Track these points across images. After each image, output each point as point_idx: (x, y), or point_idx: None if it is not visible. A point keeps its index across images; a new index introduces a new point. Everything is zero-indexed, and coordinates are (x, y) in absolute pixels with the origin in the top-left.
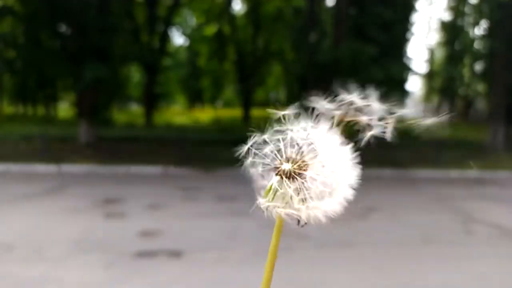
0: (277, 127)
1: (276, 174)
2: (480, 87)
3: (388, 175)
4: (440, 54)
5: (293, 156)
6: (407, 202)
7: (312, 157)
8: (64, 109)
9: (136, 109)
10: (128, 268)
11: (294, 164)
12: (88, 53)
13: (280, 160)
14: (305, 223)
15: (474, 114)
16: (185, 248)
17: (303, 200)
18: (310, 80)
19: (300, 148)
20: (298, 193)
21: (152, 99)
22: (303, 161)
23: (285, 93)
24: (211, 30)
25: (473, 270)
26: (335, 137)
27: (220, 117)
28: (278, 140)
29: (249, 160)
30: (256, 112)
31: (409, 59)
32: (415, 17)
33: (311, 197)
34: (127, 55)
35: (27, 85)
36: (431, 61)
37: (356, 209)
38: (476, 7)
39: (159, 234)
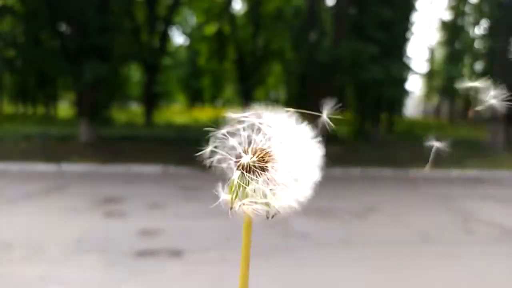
0: (237, 121)
1: (237, 169)
2: None
3: (388, 174)
4: (440, 54)
5: (253, 146)
6: (407, 202)
7: (273, 144)
8: (64, 108)
9: (136, 108)
10: (128, 268)
11: (255, 155)
12: (88, 52)
13: (239, 153)
14: (274, 215)
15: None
16: (185, 248)
17: (268, 192)
18: (310, 80)
19: (260, 137)
20: (261, 185)
21: (152, 99)
22: (264, 151)
23: (285, 92)
24: (211, 29)
25: (473, 269)
26: (293, 122)
27: (220, 117)
28: (238, 132)
29: (213, 157)
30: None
31: (409, 58)
32: (415, 17)
33: (275, 187)
34: (127, 54)
35: (27, 84)
36: (431, 60)
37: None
38: (477, 7)
39: (159, 233)
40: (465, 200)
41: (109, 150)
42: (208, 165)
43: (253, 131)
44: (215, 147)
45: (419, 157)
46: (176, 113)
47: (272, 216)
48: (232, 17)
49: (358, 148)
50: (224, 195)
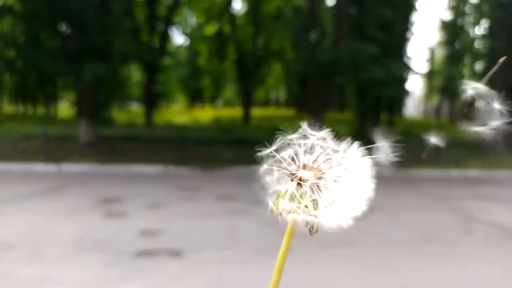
0: (297, 134)
1: (292, 180)
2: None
3: (388, 174)
4: (440, 54)
5: (310, 163)
6: (407, 202)
7: (330, 166)
8: (64, 108)
9: (136, 108)
10: (128, 268)
11: (311, 171)
12: (88, 52)
13: (297, 166)
14: (317, 230)
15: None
16: (185, 248)
17: (317, 207)
18: (310, 80)
19: (319, 156)
20: (313, 200)
21: (152, 99)
22: (320, 170)
23: (285, 92)
24: (211, 29)
25: (473, 269)
26: (354, 150)
27: (220, 117)
28: (298, 145)
29: (267, 164)
30: (256, 112)
31: (409, 58)
32: (415, 17)
33: (325, 205)
34: (127, 54)
35: (27, 84)
36: (431, 60)
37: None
38: (477, 7)
39: (159, 233)
40: (465, 200)
41: (109, 150)
42: (261, 169)
43: (310, 148)
44: (271, 155)
45: (419, 157)
46: (176, 113)
47: (314, 232)
48: (232, 17)
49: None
50: (275, 202)
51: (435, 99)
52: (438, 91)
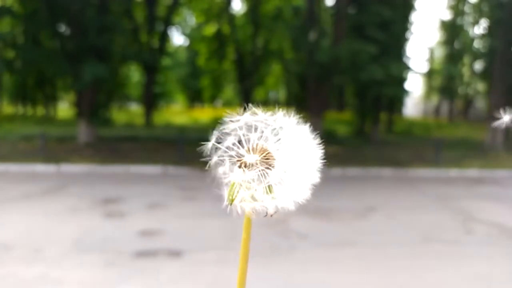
0: (239, 120)
1: (239, 167)
2: (480, 86)
3: (388, 174)
4: (439, 53)
5: (255, 145)
6: (406, 202)
7: (276, 144)
8: (64, 109)
9: (135, 108)
10: (128, 268)
11: (257, 154)
12: (88, 52)
13: (240, 153)
14: (275, 212)
15: (474, 113)
16: (185, 248)
17: (269, 191)
18: (309, 79)
19: (262, 136)
20: (263, 184)
21: (152, 99)
22: (266, 150)
23: (284, 92)
24: (210, 29)
25: (473, 269)
26: (294, 122)
27: (219, 117)
28: (235, 132)
29: (214, 157)
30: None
31: (409, 58)
32: (414, 16)
33: (276, 186)
34: (126, 54)
35: (26, 85)
36: (430, 60)
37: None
38: (476, 6)
39: (158, 233)
40: (464, 199)
41: (108, 151)
42: (208, 164)
43: (251, 130)
44: (216, 147)
45: (419, 156)
46: (176, 113)
47: (271, 215)
48: (231, 17)
49: (357, 148)
50: (225, 194)
51: (435, 99)
52: (437, 91)
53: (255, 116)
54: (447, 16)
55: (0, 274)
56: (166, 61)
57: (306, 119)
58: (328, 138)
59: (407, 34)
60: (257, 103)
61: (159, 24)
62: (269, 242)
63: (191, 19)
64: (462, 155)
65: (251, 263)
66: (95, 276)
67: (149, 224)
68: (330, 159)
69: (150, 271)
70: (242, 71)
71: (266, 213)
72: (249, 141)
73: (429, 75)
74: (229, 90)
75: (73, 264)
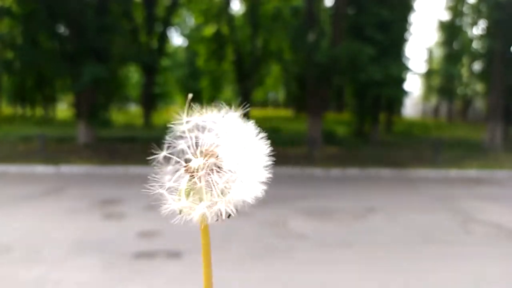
0: (186, 124)
1: (186, 172)
2: (479, 86)
3: (387, 175)
4: (438, 54)
5: (201, 149)
6: (406, 202)
7: (220, 145)
8: (63, 110)
9: (134, 109)
10: (127, 269)
11: (204, 158)
12: (87, 53)
13: (187, 158)
14: (229, 215)
15: (473, 114)
16: (184, 249)
17: (216, 193)
18: (308, 80)
19: (207, 137)
20: (210, 187)
21: (151, 100)
22: (212, 152)
23: (284, 92)
24: (209, 30)
25: (472, 269)
26: (239, 120)
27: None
28: (185, 134)
29: (165, 163)
30: (254, 112)
31: (408, 58)
32: (413, 17)
33: (223, 188)
34: (125, 55)
35: (25, 86)
36: (429, 60)
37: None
38: (475, 7)
39: (158, 234)
40: (464, 200)
41: (107, 152)
42: (158, 170)
43: (199, 131)
44: (169, 152)
45: (418, 157)
46: (175, 114)
47: (223, 219)
48: (230, 18)
49: (357, 149)
50: (175, 202)
51: (434, 99)
52: (436, 91)
53: (204, 116)
54: (446, 16)
55: (0, 276)
56: (165, 62)
57: (305, 119)
58: (327, 138)
59: (406, 35)
60: (256, 104)
61: (158, 24)
62: (269, 243)
63: (190, 20)
64: (461, 156)
65: (249, 264)
66: (95, 277)
67: (148, 225)
68: (330, 160)
69: (149, 272)
70: (241, 71)
71: (218, 217)
72: (196, 144)
73: (428, 75)
74: (228, 91)
75: (72, 265)
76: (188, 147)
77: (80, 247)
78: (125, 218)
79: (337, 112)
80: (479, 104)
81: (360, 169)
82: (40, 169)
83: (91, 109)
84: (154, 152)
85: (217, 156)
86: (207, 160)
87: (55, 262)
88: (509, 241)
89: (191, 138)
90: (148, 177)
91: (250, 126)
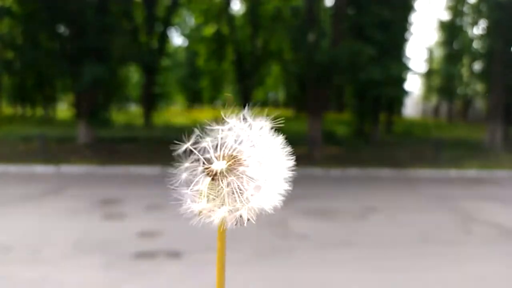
0: (214, 126)
1: (208, 175)
2: (479, 86)
3: (388, 175)
4: (439, 54)
5: (226, 153)
6: (406, 202)
7: (246, 152)
8: (63, 110)
9: (135, 109)
10: (128, 269)
11: (228, 161)
12: (87, 53)
13: (210, 161)
14: (247, 220)
15: (473, 114)
16: (184, 249)
17: (239, 199)
18: (309, 80)
19: (234, 143)
20: (233, 192)
21: (151, 100)
22: (236, 157)
23: (284, 92)
24: (209, 30)
25: (472, 269)
26: (268, 134)
27: (219, 117)
28: (213, 138)
29: (186, 163)
30: (255, 112)
31: (408, 58)
32: (413, 17)
33: (246, 194)
34: (125, 55)
35: (25, 86)
36: (430, 60)
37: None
38: (475, 7)
39: (158, 234)
40: (464, 200)
41: (108, 152)
42: (178, 168)
43: (227, 135)
44: (192, 149)
45: (418, 157)
46: (175, 114)
47: (242, 225)
48: (230, 18)
49: (357, 149)
50: (194, 204)
51: (434, 99)
52: (436, 91)
53: (239, 121)
54: (446, 16)
55: (0, 275)
56: (165, 62)
57: (305, 119)
58: (327, 138)
59: (407, 35)
60: (256, 104)
61: (159, 24)
62: (269, 243)
63: (191, 20)
64: (462, 156)
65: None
66: (95, 277)
67: (148, 225)
68: (330, 160)
69: (150, 272)
70: (242, 71)
71: (237, 222)
72: (222, 146)
73: (428, 75)
74: (229, 91)
75: (73, 265)
76: (213, 147)
77: (80, 247)
78: (125, 218)
79: (337, 112)
80: (479, 104)
81: (360, 169)
82: (40, 169)
83: (91, 109)
84: (177, 143)
85: (240, 163)
86: (231, 165)
87: (55, 262)
88: (509, 241)
89: (218, 138)
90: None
91: (278, 138)
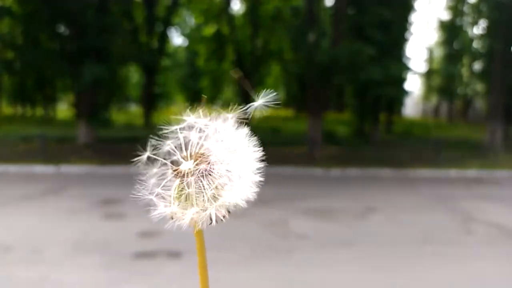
0: (179, 125)
1: (177, 177)
2: (479, 86)
3: (388, 175)
4: (439, 54)
5: (193, 152)
6: (406, 202)
7: (211, 148)
8: (63, 110)
9: (135, 109)
10: (128, 269)
11: (195, 160)
12: (87, 53)
13: (178, 162)
14: (223, 218)
15: (473, 114)
16: (184, 249)
17: (206, 198)
18: (309, 80)
19: (200, 140)
20: (200, 191)
21: (151, 100)
22: (203, 155)
23: (284, 92)
24: (209, 30)
25: (472, 269)
26: (233, 126)
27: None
28: (175, 135)
29: (150, 167)
30: (255, 112)
31: (408, 58)
32: (414, 17)
33: (214, 192)
34: (126, 55)
35: (26, 86)
36: (430, 60)
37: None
38: (475, 7)
39: (158, 234)
40: (464, 200)
41: (108, 152)
42: (142, 172)
43: (189, 133)
44: (153, 153)
45: (419, 157)
46: (176, 113)
47: (217, 222)
48: (230, 18)
49: (357, 149)
50: (166, 208)
51: (434, 99)
52: (436, 91)
53: (197, 118)
54: (446, 16)
55: (0, 275)
56: (165, 62)
57: (306, 119)
58: (327, 138)
59: (407, 35)
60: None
61: (159, 24)
62: (269, 243)
63: (191, 20)
64: (462, 156)
65: (249, 263)
66: (95, 278)
67: (148, 226)
68: (330, 160)
69: (150, 272)
70: (242, 71)
71: (211, 221)
72: (186, 146)
73: (428, 75)
74: (229, 91)
75: (73, 265)
76: (176, 148)
77: (80, 247)
78: (125, 218)
79: (337, 112)
80: (480, 104)
81: (360, 169)
82: (40, 169)
83: (91, 109)
84: (138, 152)
85: (207, 161)
86: (197, 164)
87: (55, 262)
88: (509, 241)
89: (180, 139)
90: (134, 180)
91: (243, 129)
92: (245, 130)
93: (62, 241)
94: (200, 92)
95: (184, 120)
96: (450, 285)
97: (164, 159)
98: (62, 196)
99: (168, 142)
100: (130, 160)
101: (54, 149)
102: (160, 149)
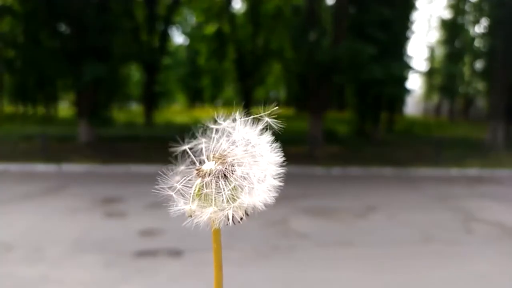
0: (209, 126)
1: (199, 176)
2: (480, 85)
3: (389, 173)
4: (440, 52)
5: (216, 153)
6: (407, 201)
7: (235, 151)
8: (64, 108)
9: (136, 108)
10: (128, 268)
11: (217, 161)
12: (88, 52)
13: (201, 161)
14: (241, 219)
15: (474, 112)
16: (185, 248)
17: (225, 198)
18: (310, 79)
19: (225, 143)
20: (220, 192)
21: (152, 98)
22: (226, 157)
23: (285, 91)
24: (210, 29)
25: (473, 268)
26: (258, 132)
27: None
28: (207, 139)
29: (181, 166)
30: (256, 111)
31: (409, 57)
32: (415, 15)
33: (233, 193)
34: (127, 54)
35: (26, 84)
36: (431, 59)
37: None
38: (476, 5)
39: (159, 233)
40: (465, 199)
41: (109, 150)
42: (174, 171)
43: (220, 136)
44: (188, 151)
45: (420, 156)
46: (176, 112)
47: (235, 223)
48: (231, 17)
49: (358, 147)
50: (186, 205)
51: (435, 98)
52: (438, 90)
53: (228, 122)
54: (448, 15)
55: (0, 274)
56: (166, 61)
57: (307, 118)
58: (328, 137)
59: (408, 33)
60: (257, 102)
61: (160, 23)
62: (270, 242)
63: (192, 19)
64: (463, 155)
65: (251, 263)
66: (96, 276)
67: (149, 224)
68: (331, 159)
69: (150, 271)
70: (242, 70)
71: (229, 221)
72: (213, 147)
73: (430, 74)
74: (230, 90)
75: (74, 264)
76: (206, 148)
77: (82, 246)
78: (127, 216)
79: (338, 111)
80: (481, 102)
81: (361, 168)
82: (42, 167)
83: (92, 108)
84: (174, 145)
85: (228, 163)
86: (220, 165)
87: (56, 261)
88: (510, 239)
89: (212, 140)
90: (157, 176)
91: (267, 136)
92: (269, 136)
93: (62, 240)
94: (201, 91)
95: (216, 122)
96: (451, 283)
97: (195, 156)
98: (63, 195)
99: (202, 140)
100: (131, 158)
101: (55, 148)
102: (196, 145)
